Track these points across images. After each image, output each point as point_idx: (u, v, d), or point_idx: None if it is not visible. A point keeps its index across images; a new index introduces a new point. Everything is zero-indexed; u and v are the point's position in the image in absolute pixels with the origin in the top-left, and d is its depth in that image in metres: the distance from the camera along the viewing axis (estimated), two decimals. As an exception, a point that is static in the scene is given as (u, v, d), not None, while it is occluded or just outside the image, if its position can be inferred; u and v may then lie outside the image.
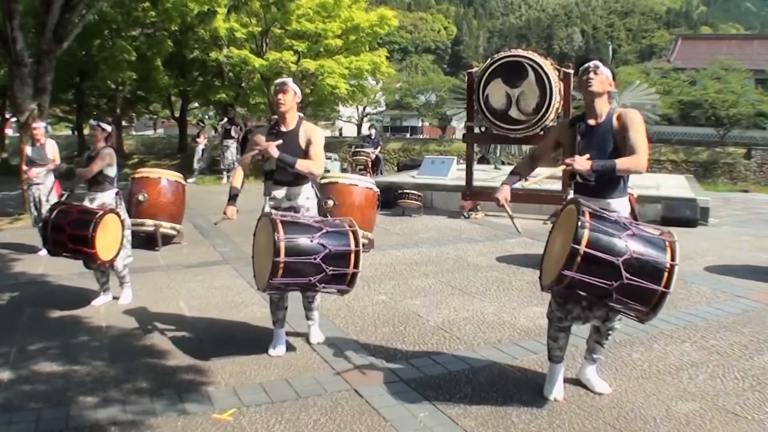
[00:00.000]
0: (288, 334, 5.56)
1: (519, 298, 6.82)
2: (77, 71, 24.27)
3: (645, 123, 12.57)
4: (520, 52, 11.62)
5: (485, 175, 14.84)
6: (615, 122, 4.14)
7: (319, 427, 4.01)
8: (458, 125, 37.54)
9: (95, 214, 6.10)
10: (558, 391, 4.34)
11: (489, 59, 12.07)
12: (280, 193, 5.11)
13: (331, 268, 4.62)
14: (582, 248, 3.70)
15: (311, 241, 4.60)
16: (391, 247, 9.53)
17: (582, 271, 3.74)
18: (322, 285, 4.77)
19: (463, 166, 13.16)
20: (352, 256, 4.73)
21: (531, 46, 62.47)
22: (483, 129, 12.17)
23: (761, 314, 6.22)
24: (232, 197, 5.21)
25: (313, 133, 5.08)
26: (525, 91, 11.17)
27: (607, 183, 4.13)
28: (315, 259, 4.57)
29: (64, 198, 7.01)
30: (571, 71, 11.56)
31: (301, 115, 5.25)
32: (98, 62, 22.11)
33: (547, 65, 11.20)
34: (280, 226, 4.54)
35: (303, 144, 5.03)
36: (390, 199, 12.33)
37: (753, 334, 5.65)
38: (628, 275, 3.68)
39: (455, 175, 14.32)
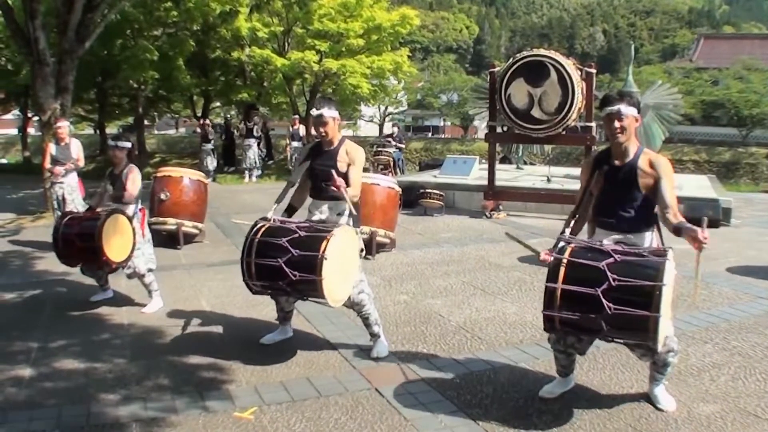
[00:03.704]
0: (308, 333, 5.60)
1: (541, 298, 6.72)
2: (99, 71, 24.41)
3: (668, 123, 12.32)
4: (542, 51, 11.57)
5: (507, 175, 14.78)
6: (646, 165, 4.05)
7: (340, 425, 4.01)
8: (480, 125, 37.37)
9: (96, 220, 5.98)
10: (547, 390, 4.37)
11: (511, 59, 12.02)
12: (315, 206, 5.13)
13: (297, 273, 4.48)
14: (558, 285, 3.71)
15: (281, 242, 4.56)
16: (412, 246, 9.51)
17: (565, 308, 3.72)
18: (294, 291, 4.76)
19: (485, 166, 13.12)
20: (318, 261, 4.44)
21: (553, 46, 62.23)
22: (505, 128, 12.12)
23: (786, 316, 6.13)
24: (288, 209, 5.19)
25: (355, 156, 5.03)
26: (547, 90, 11.11)
27: (630, 219, 4.08)
28: (278, 261, 4.51)
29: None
30: (594, 71, 11.50)
31: (344, 134, 5.22)
32: (120, 62, 22.22)
33: (569, 65, 11.14)
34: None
35: (342, 165, 4.99)
36: (412, 199, 12.30)
37: (777, 336, 5.58)
38: (610, 305, 3.58)
39: (477, 174, 14.26)
